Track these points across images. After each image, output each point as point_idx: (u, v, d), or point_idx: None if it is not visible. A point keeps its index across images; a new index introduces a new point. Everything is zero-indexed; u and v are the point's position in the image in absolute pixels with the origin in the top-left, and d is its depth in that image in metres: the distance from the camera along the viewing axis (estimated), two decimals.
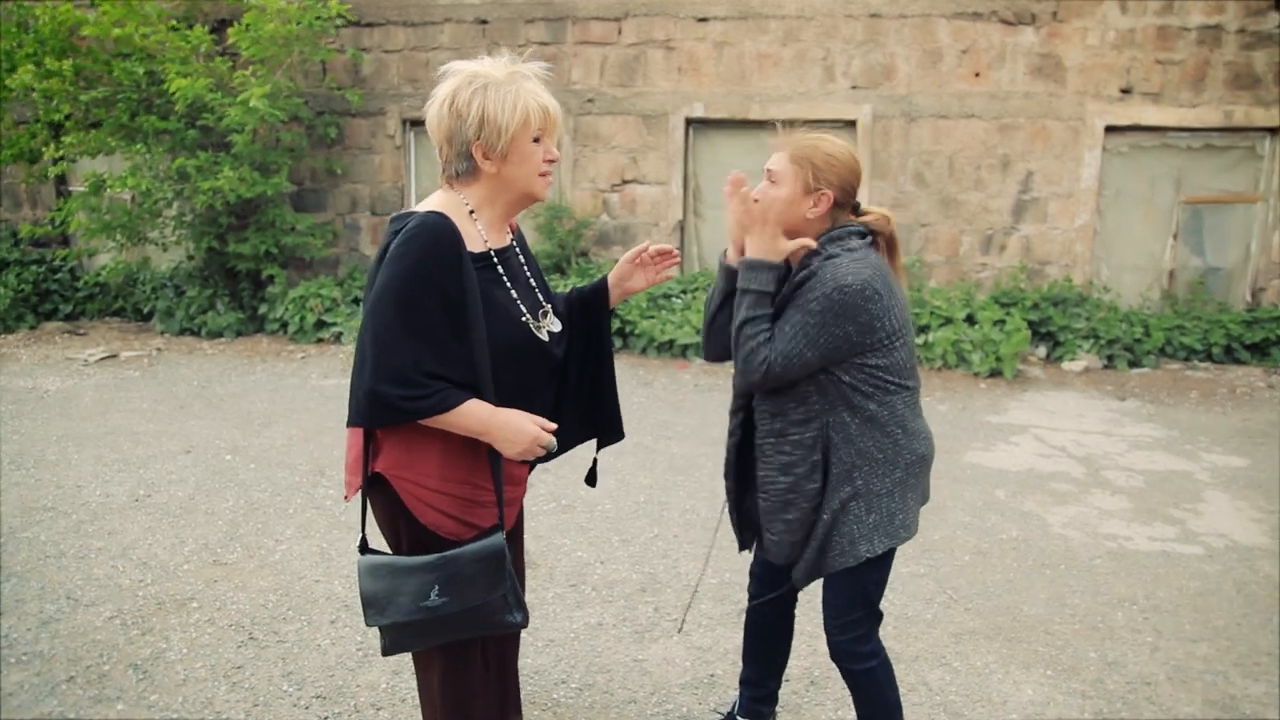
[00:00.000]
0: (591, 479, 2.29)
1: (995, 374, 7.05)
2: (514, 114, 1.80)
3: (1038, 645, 3.20)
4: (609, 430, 2.24)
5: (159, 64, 7.19)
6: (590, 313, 2.17)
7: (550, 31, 8.38)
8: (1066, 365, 7.46)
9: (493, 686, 2.15)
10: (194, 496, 4.52)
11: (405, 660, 2.96)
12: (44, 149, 7.12)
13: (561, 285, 7.74)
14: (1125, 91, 7.94)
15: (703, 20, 8.19)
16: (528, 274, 2.03)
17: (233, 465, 4.97)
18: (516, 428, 1.83)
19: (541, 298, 2.03)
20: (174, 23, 7.49)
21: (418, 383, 1.76)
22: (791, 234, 2.06)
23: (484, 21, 8.43)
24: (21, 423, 5.71)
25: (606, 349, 2.20)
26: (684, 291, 7.99)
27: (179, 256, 8.60)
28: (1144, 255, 8.30)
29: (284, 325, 7.93)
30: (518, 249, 2.04)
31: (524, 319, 1.93)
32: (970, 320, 7.48)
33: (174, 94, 6.90)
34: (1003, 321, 7.29)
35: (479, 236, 1.89)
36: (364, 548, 1.94)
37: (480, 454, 1.90)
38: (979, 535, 4.16)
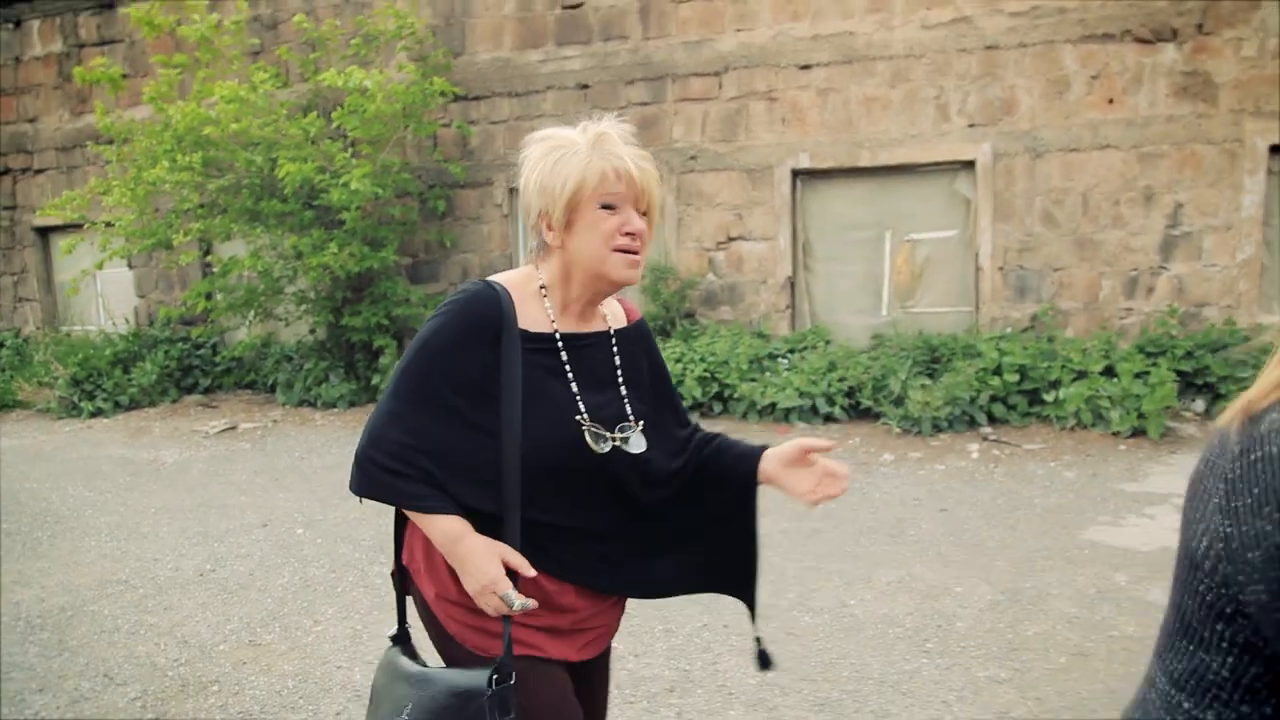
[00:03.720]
0: (764, 662, 1.84)
1: (1139, 433, 6.19)
2: (569, 178, 1.55)
3: None
4: (749, 593, 1.83)
5: (276, 151, 7.63)
6: (730, 481, 1.77)
7: (650, 91, 8.31)
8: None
9: None
10: (254, 572, 4.53)
11: None
12: (176, 236, 7.66)
13: (684, 348, 7.53)
14: None
15: (805, 68, 7.89)
16: (620, 376, 1.71)
17: (301, 539, 4.98)
18: (476, 565, 1.54)
19: (630, 409, 1.69)
20: (285, 110, 7.94)
21: (401, 465, 1.54)
22: None
23: (585, 86, 8.48)
24: (131, 494, 6.01)
25: (749, 519, 1.79)
26: (790, 351, 7.57)
27: (303, 331, 9.02)
28: None
29: None
30: (615, 344, 1.73)
31: (579, 418, 1.62)
32: (1110, 373, 6.64)
33: (284, 178, 7.27)
34: (1146, 373, 6.43)
35: (545, 317, 1.65)
36: (395, 638, 1.73)
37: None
38: (1084, 631, 3.52)
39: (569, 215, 1.57)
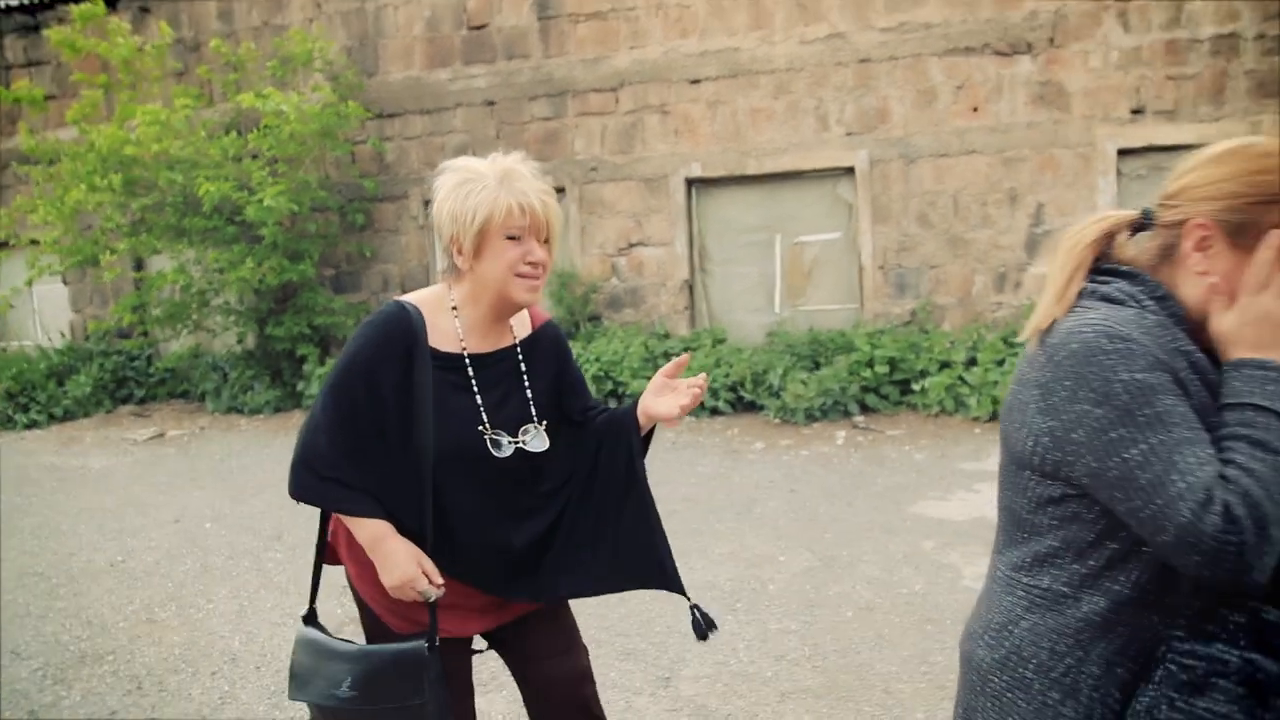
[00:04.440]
0: (700, 630, 1.93)
1: (995, 418, 6.79)
2: (480, 209, 1.71)
3: (866, 704, 3.11)
4: (658, 580, 1.91)
5: (197, 171, 8.01)
6: (614, 443, 1.91)
7: (552, 107, 8.80)
8: None
9: None
10: (160, 561, 4.96)
11: (254, 709, 3.19)
12: (102, 254, 8.02)
13: (578, 348, 8.00)
14: (1136, 112, 7.62)
15: (695, 82, 8.41)
16: (526, 384, 1.88)
17: (207, 532, 5.41)
18: (396, 563, 1.73)
19: (534, 411, 1.87)
20: (206, 131, 8.33)
21: (329, 472, 1.74)
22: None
23: (491, 103, 8.94)
24: (56, 498, 6.39)
25: (635, 486, 1.90)
26: (685, 349, 8.09)
27: (232, 341, 9.40)
28: None
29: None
30: (521, 356, 1.90)
31: (480, 428, 1.80)
32: (973, 362, 7.24)
33: (203, 196, 7.67)
34: (1004, 361, 7.03)
35: (454, 335, 1.82)
36: (306, 618, 1.92)
37: (423, 550, 1.80)
38: (878, 590, 4.05)
39: (477, 244, 1.73)
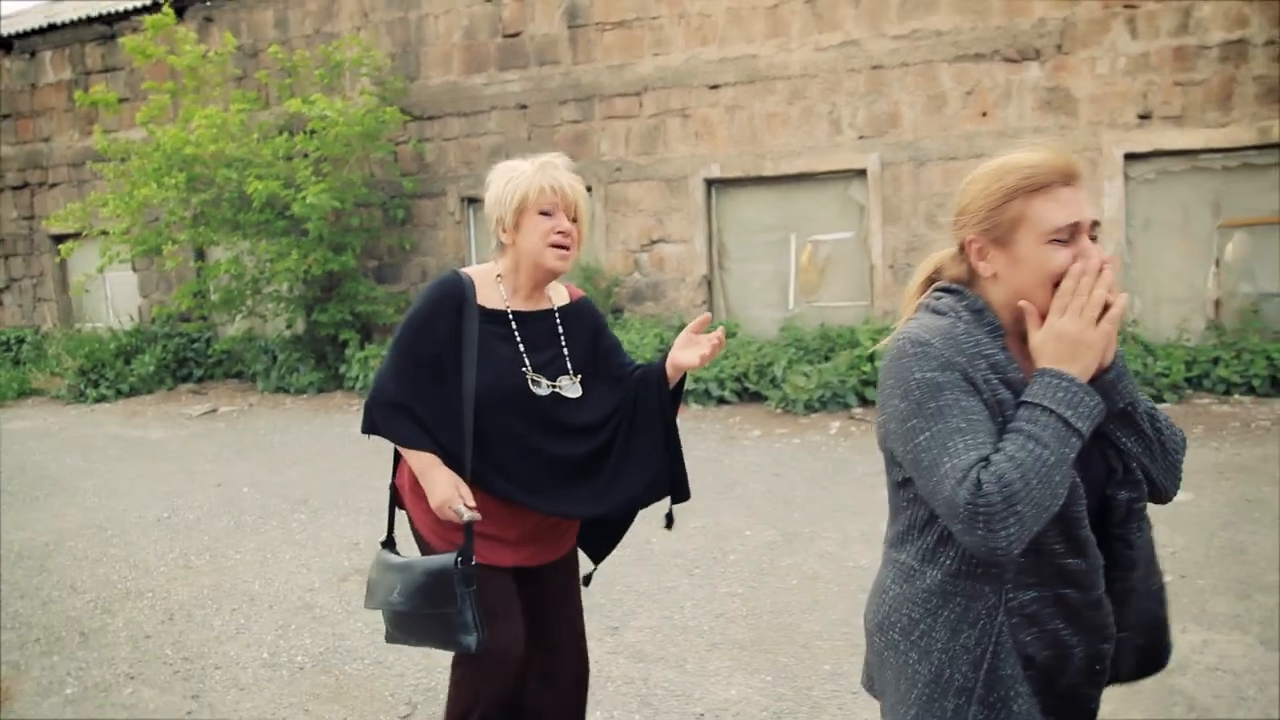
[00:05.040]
0: (669, 523, 2.33)
1: None
2: (514, 191, 2.08)
3: (783, 656, 3.50)
4: (676, 490, 2.25)
5: (249, 170, 8.69)
6: (647, 391, 2.21)
7: (580, 110, 9.27)
8: None
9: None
10: (200, 519, 5.58)
11: (264, 638, 3.75)
12: (164, 245, 8.77)
13: None
14: (1144, 117, 7.78)
15: (714, 87, 8.80)
16: (562, 340, 2.19)
17: (243, 496, 6.03)
18: (439, 488, 2.03)
19: (570, 364, 2.17)
20: (260, 132, 9.01)
21: (392, 412, 2.08)
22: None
23: (524, 106, 9.46)
24: (117, 464, 7.11)
25: (662, 421, 2.20)
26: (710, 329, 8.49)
27: (283, 326, 10.11)
28: (1182, 285, 7.96)
29: (356, 382, 9.17)
30: (559, 318, 2.20)
31: (523, 370, 2.10)
32: None
33: (253, 194, 8.34)
34: None
35: (500, 297, 2.15)
36: (385, 543, 2.27)
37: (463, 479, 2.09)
38: (825, 563, 4.42)
39: (516, 219, 2.09)
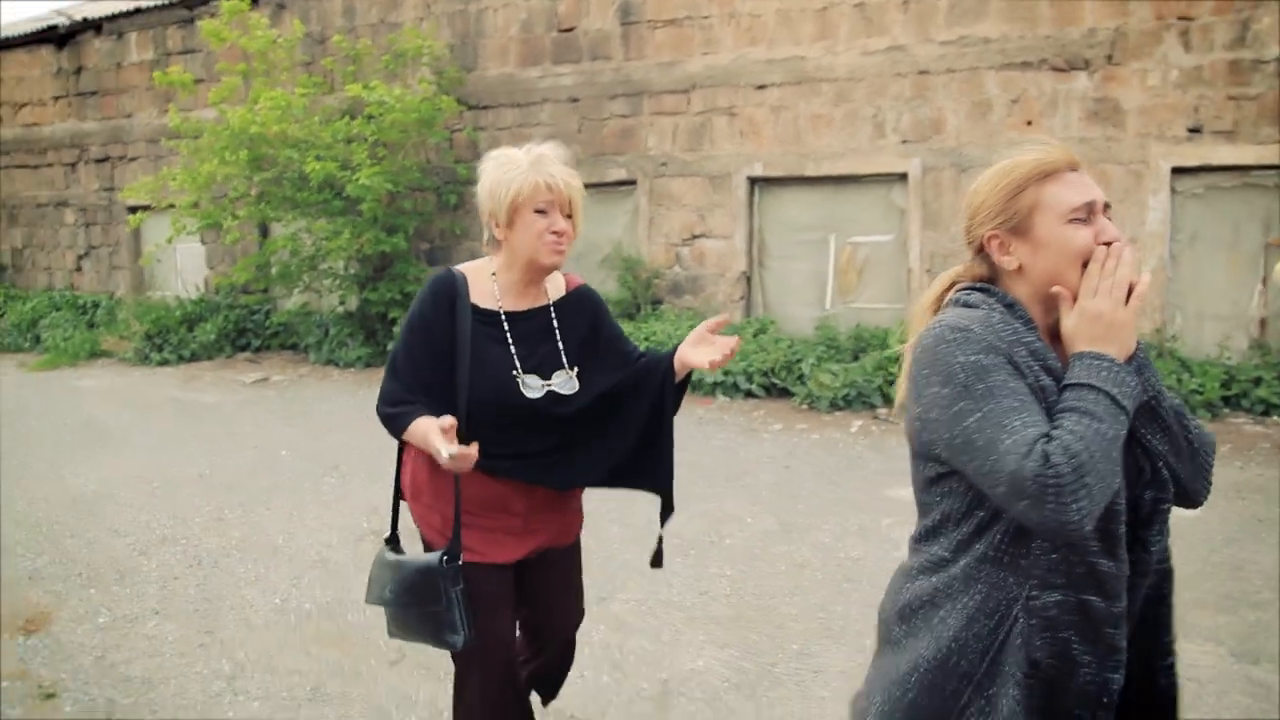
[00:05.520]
0: (657, 560, 2.34)
1: None
2: (510, 187, 2.02)
3: (754, 633, 3.65)
4: (655, 481, 2.26)
5: (309, 151, 9.10)
6: (648, 381, 2.21)
7: (629, 105, 9.47)
8: None
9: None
10: (238, 477, 5.94)
11: (279, 586, 4.06)
12: (226, 219, 9.24)
13: (629, 328, 8.69)
14: (1194, 131, 7.66)
15: (761, 88, 8.91)
16: (558, 337, 2.17)
17: (281, 458, 6.38)
18: (424, 435, 1.97)
19: (566, 358, 2.16)
20: (323, 115, 9.41)
21: (392, 408, 2.09)
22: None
23: (575, 100, 9.69)
24: (170, 423, 7.55)
25: (658, 411, 2.20)
26: (733, 333, 8.63)
27: (337, 302, 10.53)
28: (1227, 302, 7.82)
29: None
30: (554, 314, 2.19)
31: (513, 373, 2.09)
32: None
33: (311, 174, 8.74)
34: None
35: (493, 295, 2.13)
36: (389, 540, 2.27)
37: (478, 482, 2.09)
38: (817, 552, 4.54)
39: (510, 216, 2.04)
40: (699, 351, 2.10)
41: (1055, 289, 1.38)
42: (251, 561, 4.50)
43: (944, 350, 1.33)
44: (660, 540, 2.30)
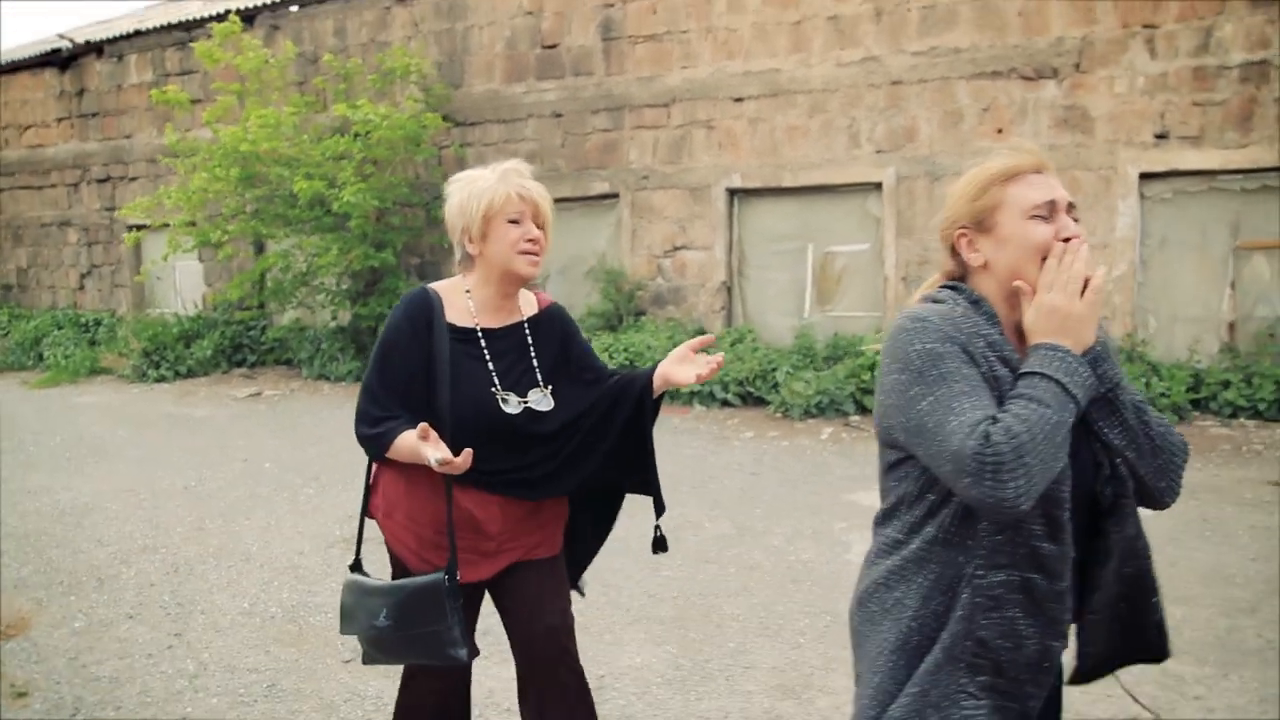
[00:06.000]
0: (660, 546, 2.35)
1: None
2: (482, 200, 2.04)
3: (694, 631, 3.80)
4: (642, 486, 2.30)
5: (298, 169, 9.33)
6: (625, 397, 2.20)
7: (611, 119, 9.66)
8: None
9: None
10: (221, 488, 6.14)
11: (248, 591, 4.24)
12: (216, 236, 9.49)
13: (611, 339, 8.86)
14: (1161, 137, 7.79)
15: (738, 100, 9.09)
16: (533, 354, 2.18)
17: (264, 470, 6.58)
18: (411, 449, 1.97)
19: (540, 376, 2.17)
20: (315, 133, 9.65)
21: (369, 428, 2.07)
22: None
23: (559, 115, 9.89)
24: (161, 438, 7.77)
25: (634, 430, 2.19)
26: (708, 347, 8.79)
27: (329, 318, 10.76)
28: (1197, 306, 7.93)
29: None
30: (528, 331, 2.20)
31: (493, 390, 2.10)
32: None
33: (299, 192, 8.97)
34: None
35: (469, 312, 2.13)
36: (353, 566, 2.25)
37: (441, 504, 2.09)
38: (768, 555, 4.69)
39: (484, 228, 2.05)
40: (681, 369, 2.11)
41: (1016, 283, 1.43)
42: (226, 568, 4.69)
43: (902, 338, 1.40)
44: (658, 528, 2.32)
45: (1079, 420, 1.38)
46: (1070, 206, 1.47)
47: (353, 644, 3.79)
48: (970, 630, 1.38)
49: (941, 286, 1.52)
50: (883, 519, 1.53)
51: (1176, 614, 3.86)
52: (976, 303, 1.46)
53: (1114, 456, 1.44)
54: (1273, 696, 3.17)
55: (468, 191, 2.09)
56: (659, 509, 2.32)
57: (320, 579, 4.51)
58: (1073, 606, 1.45)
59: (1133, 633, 1.57)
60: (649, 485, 2.27)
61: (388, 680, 3.44)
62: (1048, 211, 1.45)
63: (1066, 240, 1.43)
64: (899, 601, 1.45)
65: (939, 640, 1.41)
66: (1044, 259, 1.41)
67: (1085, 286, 1.39)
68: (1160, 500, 1.48)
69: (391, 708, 3.18)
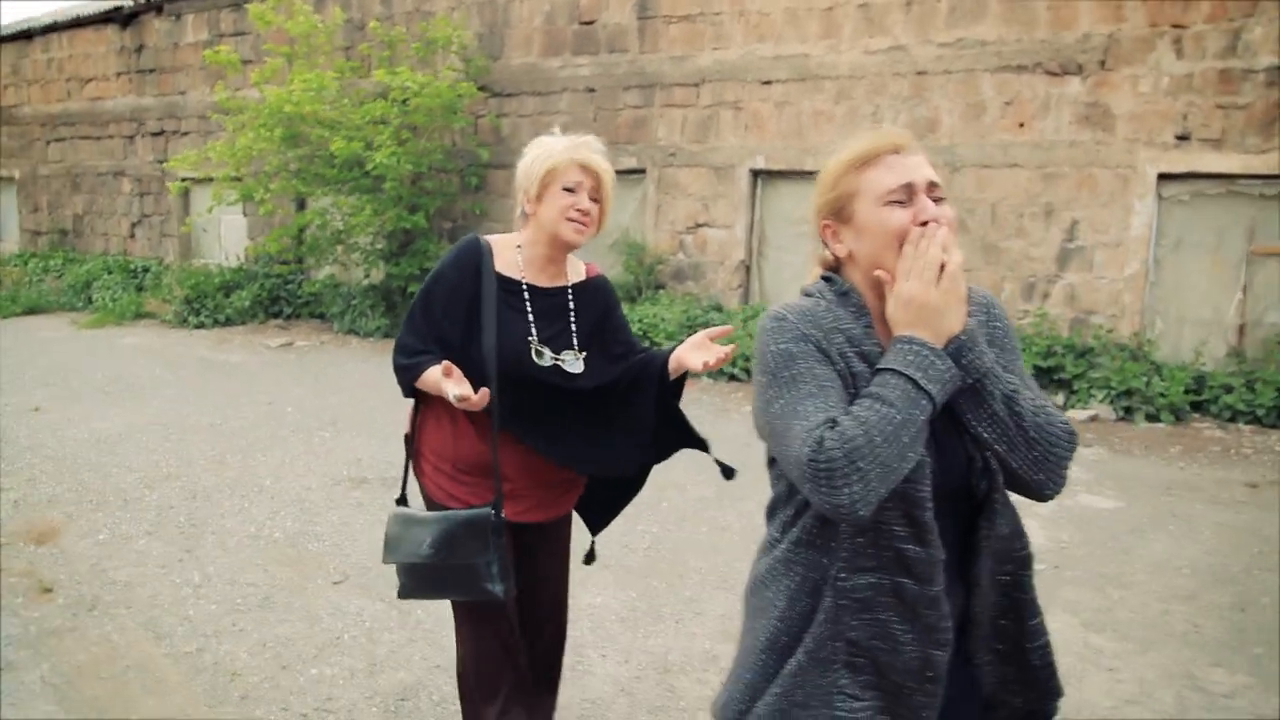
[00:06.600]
0: (728, 473, 2.43)
1: None
2: (543, 163, 2.15)
3: (656, 579, 4.08)
4: (692, 441, 2.42)
5: (338, 131, 9.69)
6: (645, 377, 2.28)
7: (642, 97, 9.87)
8: (1071, 414, 7.48)
9: (508, 661, 2.34)
10: (243, 427, 6.55)
11: (257, 518, 4.62)
12: (258, 192, 9.91)
13: (628, 309, 9.14)
14: (1182, 138, 7.80)
15: (766, 83, 9.24)
16: (572, 318, 2.27)
17: (286, 414, 6.98)
18: (434, 383, 2.10)
19: (576, 340, 2.25)
20: (358, 97, 10.00)
21: (406, 359, 2.17)
22: None
23: (592, 90, 10.12)
24: (194, 379, 8.22)
25: (656, 406, 2.29)
26: (725, 323, 9.02)
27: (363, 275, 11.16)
28: (1207, 308, 7.96)
29: None
30: (571, 296, 2.28)
31: (529, 339, 2.18)
32: None
33: (337, 153, 9.33)
34: None
35: (517, 266, 2.23)
36: (399, 500, 2.36)
37: (483, 444, 2.19)
38: (741, 517, 4.92)
39: (540, 190, 2.16)
40: (694, 355, 2.18)
41: (877, 273, 1.37)
42: (239, 497, 5.08)
43: (762, 339, 1.38)
44: (718, 461, 2.43)
45: (948, 413, 1.34)
46: (932, 186, 1.39)
47: (342, 567, 4.16)
48: (839, 632, 1.35)
49: (821, 278, 1.48)
50: (768, 515, 1.52)
51: (1114, 596, 4.08)
52: (845, 294, 1.42)
53: (984, 450, 1.37)
54: (1181, 674, 3.36)
55: (535, 153, 2.20)
56: (706, 449, 2.41)
57: (322, 512, 4.87)
58: (954, 613, 1.38)
59: (1020, 667, 1.47)
60: (690, 444, 2.40)
61: (369, 599, 3.79)
62: (905, 195, 1.37)
63: (925, 224, 1.35)
64: (771, 602, 1.44)
65: (802, 642, 1.38)
66: (903, 245, 1.35)
67: (942, 272, 1.31)
68: (1039, 492, 1.38)
69: (371, 625, 3.56)
